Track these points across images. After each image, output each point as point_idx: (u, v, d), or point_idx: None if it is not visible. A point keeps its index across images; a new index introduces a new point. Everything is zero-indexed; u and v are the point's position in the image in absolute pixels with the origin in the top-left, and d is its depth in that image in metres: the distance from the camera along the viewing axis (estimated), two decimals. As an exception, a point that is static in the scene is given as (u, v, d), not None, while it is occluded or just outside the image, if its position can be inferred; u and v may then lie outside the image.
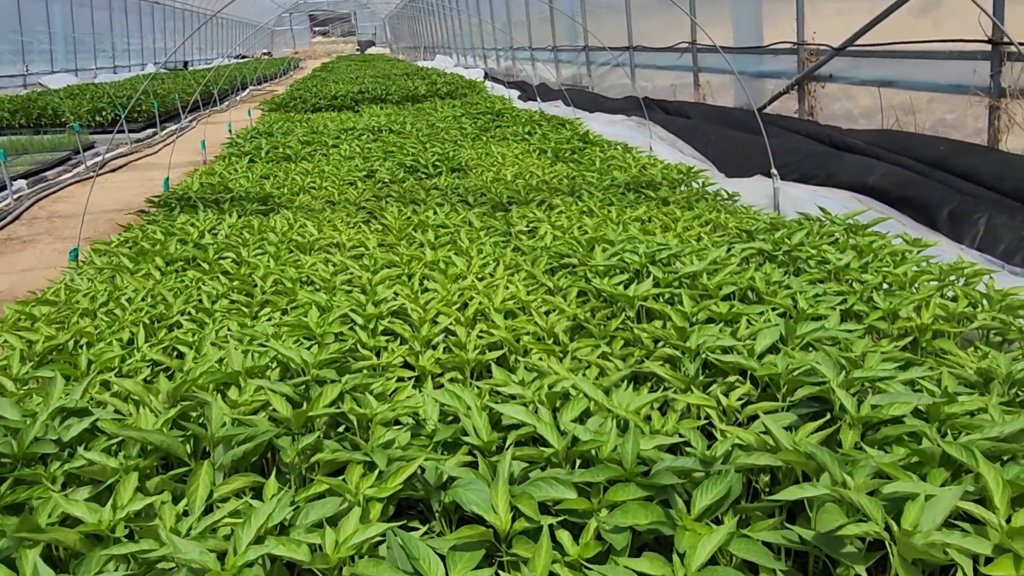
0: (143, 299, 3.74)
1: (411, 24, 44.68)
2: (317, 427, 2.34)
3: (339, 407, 2.31)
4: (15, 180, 11.18)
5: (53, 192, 11.30)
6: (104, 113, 16.44)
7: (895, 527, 1.73)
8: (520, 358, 3.02)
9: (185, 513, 1.95)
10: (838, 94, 8.19)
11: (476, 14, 23.26)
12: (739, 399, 2.49)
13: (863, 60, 7.61)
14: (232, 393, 2.46)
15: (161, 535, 1.80)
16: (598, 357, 2.92)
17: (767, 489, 2.23)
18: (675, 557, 1.82)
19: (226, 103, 22.51)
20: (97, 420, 2.33)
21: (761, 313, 3.13)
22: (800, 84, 8.55)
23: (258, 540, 1.73)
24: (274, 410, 2.32)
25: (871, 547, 1.89)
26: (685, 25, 10.83)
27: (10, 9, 21.12)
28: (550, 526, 1.98)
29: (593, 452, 2.22)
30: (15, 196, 10.79)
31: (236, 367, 2.53)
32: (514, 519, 2.03)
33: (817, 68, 8.16)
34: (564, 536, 1.98)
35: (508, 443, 2.34)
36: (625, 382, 2.68)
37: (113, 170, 12.84)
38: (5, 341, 3.25)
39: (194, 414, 2.35)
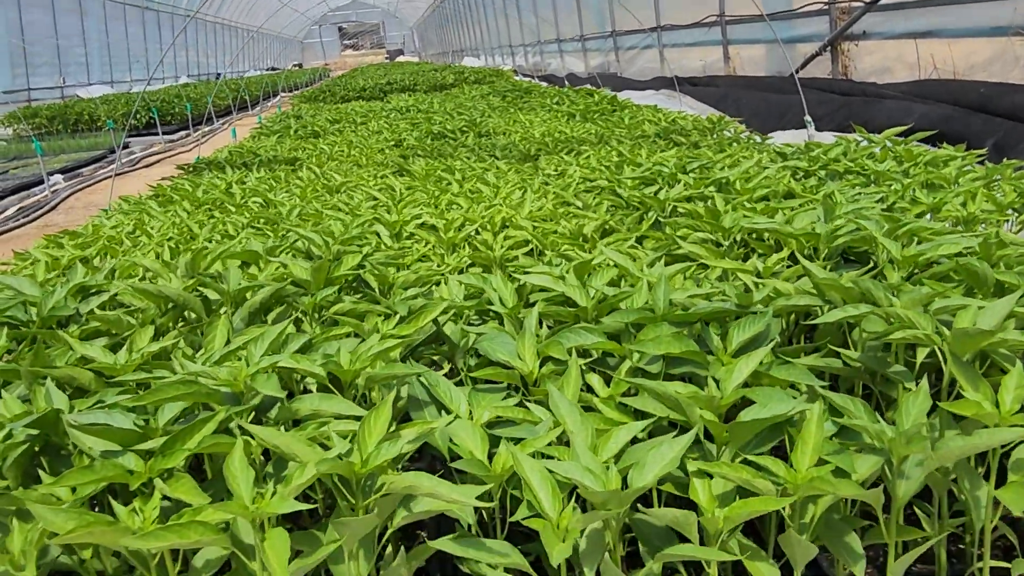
0: (169, 230, 3.72)
1: (438, 31, 44.97)
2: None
3: (360, 272, 2.24)
4: (52, 175, 11.37)
5: (89, 185, 11.47)
6: (138, 116, 16.69)
7: (946, 331, 1.61)
8: (548, 252, 2.93)
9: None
10: (872, 50, 8.01)
11: (503, 13, 23.31)
12: (776, 263, 2.38)
13: (896, 13, 7.44)
14: (252, 270, 2.40)
15: (175, 366, 1.74)
16: (629, 248, 2.82)
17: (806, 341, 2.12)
18: (709, 381, 1.72)
19: (257, 107, 22.78)
20: (115, 294, 2.28)
21: (798, 207, 3.01)
22: (833, 44, 8.38)
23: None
24: (294, 280, 2.25)
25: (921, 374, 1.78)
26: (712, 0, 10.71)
27: (47, 23, 21.58)
28: (580, 368, 1.89)
29: (622, 306, 2.13)
30: (52, 189, 10.96)
31: (256, 248, 2.47)
32: (541, 365, 1.94)
33: (850, 26, 7.99)
34: (594, 379, 1.89)
35: (535, 306, 2.25)
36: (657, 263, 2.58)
37: (147, 166, 13.03)
38: (35, 260, 3.24)
39: (211, 281, 2.29)
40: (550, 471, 1.45)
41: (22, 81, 20.43)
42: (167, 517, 1.34)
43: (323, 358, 1.71)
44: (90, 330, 2.09)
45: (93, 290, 2.38)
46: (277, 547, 1.24)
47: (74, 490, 1.45)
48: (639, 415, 1.74)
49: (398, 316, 1.97)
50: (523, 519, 1.47)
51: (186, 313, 2.14)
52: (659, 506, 1.72)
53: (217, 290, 2.09)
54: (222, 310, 2.10)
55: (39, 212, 9.62)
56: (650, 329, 1.92)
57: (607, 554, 1.45)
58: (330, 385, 1.66)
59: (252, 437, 1.47)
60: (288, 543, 1.25)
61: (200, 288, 2.17)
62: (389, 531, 1.47)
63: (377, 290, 2.26)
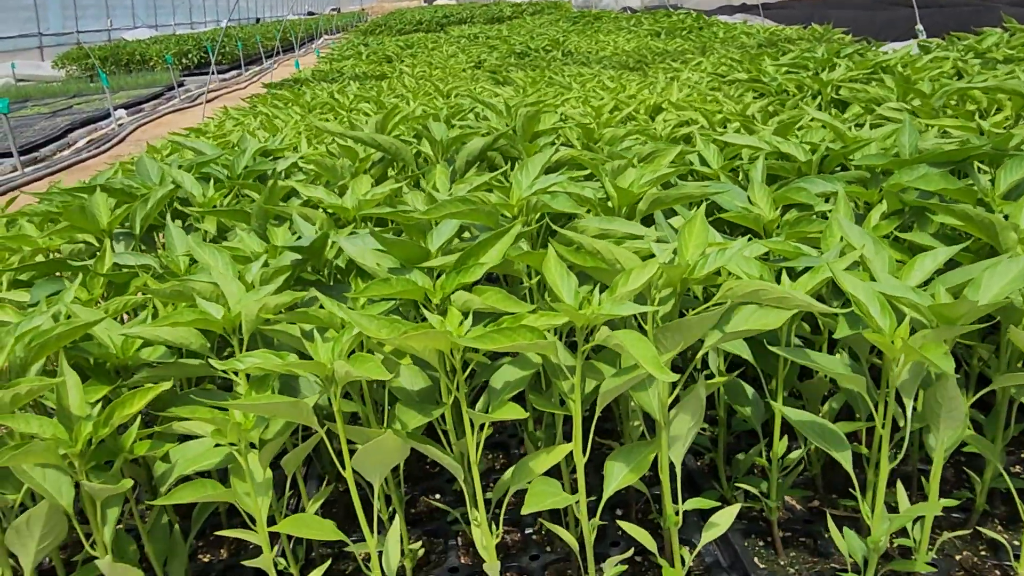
0: (297, 124, 3.62)
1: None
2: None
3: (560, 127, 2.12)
4: (116, 109, 11.36)
5: (152, 119, 11.44)
6: (190, 56, 16.60)
7: None
8: (717, 130, 2.79)
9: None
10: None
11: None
12: (1001, 122, 2.22)
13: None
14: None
15: (409, 203, 1.65)
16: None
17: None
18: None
19: (302, 49, 22.58)
20: (301, 157, 2.19)
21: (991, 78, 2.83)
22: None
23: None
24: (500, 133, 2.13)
25: None
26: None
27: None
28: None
29: (854, 157, 1.99)
30: (118, 122, 10.95)
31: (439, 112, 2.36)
32: (783, 213, 1.82)
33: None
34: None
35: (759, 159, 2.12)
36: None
37: (207, 101, 12.96)
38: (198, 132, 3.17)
39: (423, 130, 2.17)
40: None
41: (71, 24, 20.41)
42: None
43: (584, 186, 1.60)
44: (286, 188, 2.00)
45: (275, 155, 2.29)
46: (639, 346, 1.14)
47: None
48: (914, 251, 1.63)
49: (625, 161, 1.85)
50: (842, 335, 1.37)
51: (389, 169, 2.05)
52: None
53: (429, 139, 1.99)
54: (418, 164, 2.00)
55: (108, 144, 9.61)
56: (906, 171, 1.79)
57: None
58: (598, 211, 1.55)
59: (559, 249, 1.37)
60: (649, 343, 1.15)
61: (405, 141, 2.07)
62: (699, 353, 1.37)
63: (579, 145, 2.14)
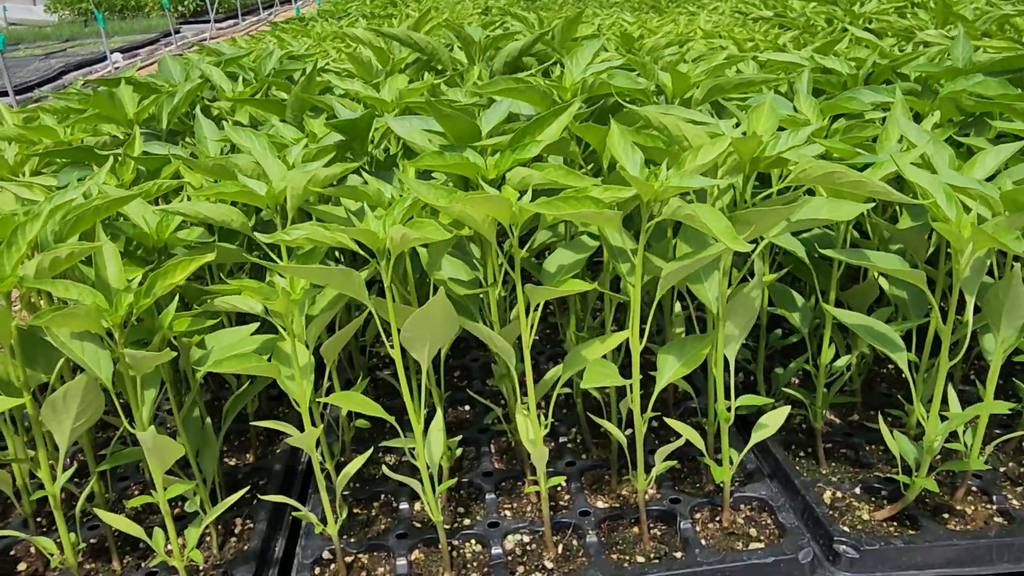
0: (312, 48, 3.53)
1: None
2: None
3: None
4: (112, 53, 11.15)
5: (150, 64, 11.24)
6: (186, 3, 16.30)
7: None
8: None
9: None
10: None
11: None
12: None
13: None
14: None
15: (453, 96, 1.58)
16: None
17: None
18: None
19: (299, 1, 22.20)
20: (328, 62, 2.12)
21: None
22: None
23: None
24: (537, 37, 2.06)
25: None
26: None
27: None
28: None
29: (904, 70, 1.94)
30: (114, 65, 10.76)
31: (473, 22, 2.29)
32: (833, 122, 1.77)
33: None
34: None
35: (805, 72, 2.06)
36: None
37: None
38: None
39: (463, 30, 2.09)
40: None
41: (63, -32, 19.97)
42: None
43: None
44: (323, 83, 1.93)
45: (302, 60, 2.22)
46: (714, 218, 1.09)
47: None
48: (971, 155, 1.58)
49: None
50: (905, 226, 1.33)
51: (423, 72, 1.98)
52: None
53: (465, 41, 1.92)
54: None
55: (106, 86, 9.43)
56: (962, 80, 1.73)
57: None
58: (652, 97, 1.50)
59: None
60: (723, 216, 1.10)
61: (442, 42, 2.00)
62: (762, 244, 1.33)
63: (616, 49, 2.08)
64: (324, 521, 1.55)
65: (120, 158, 1.62)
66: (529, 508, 1.61)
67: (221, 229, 1.53)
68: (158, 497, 1.32)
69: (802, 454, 1.73)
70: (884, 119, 1.71)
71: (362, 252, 1.22)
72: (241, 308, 1.26)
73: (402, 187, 1.36)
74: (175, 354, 1.23)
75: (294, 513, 1.44)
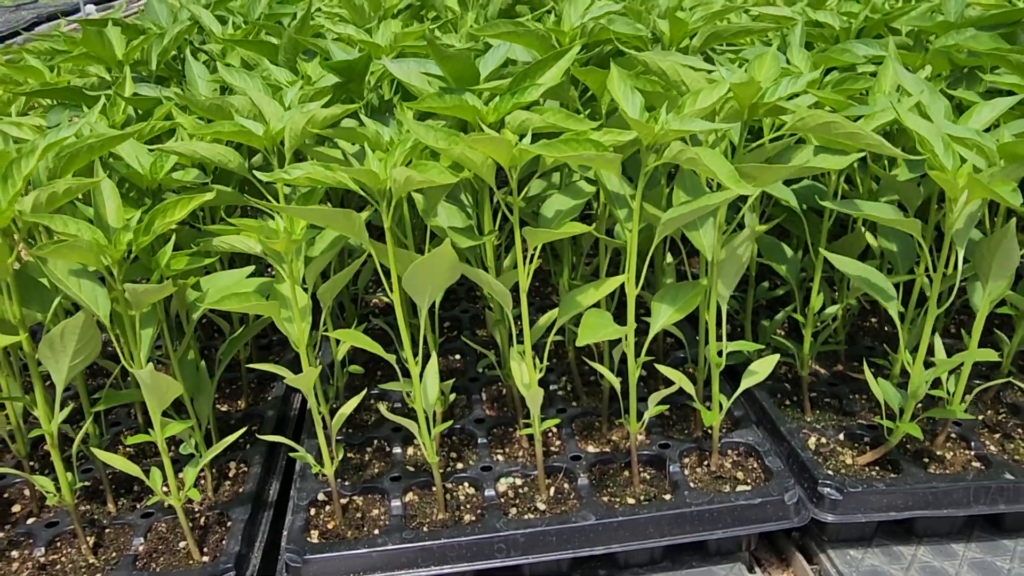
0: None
1: None
2: None
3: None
4: (87, 4, 10.89)
5: (127, 17, 11.00)
6: (161, -47, 15.89)
7: None
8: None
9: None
10: None
11: None
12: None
13: None
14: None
15: (449, 39, 1.57)
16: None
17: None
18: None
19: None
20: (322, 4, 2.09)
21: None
22: None
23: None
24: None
25: None
26: None
27: None
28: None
29: (896, 24, 1.95)
30: (88, 16, 10.52)
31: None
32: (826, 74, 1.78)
33: None
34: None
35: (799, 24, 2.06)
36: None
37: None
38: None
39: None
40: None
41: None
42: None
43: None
44: (316, 27, 1.91)
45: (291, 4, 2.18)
46: (716, 161, 1.11)
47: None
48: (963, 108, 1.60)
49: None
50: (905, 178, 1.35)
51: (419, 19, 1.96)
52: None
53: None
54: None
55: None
56: (954, 34, 1.75)
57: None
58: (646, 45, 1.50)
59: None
60: (725, 159, 1.11)
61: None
62: (752, 198, 1.34)
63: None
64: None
65: (111, 99, 1.60)
66: (521, 453, 1.64)
67: (216, 171, 1.52)
68: (155, 436, 1.33)
69: (787, 403, 1.77)
70: (876, 73, 1.73)
71: (363, 194, 1.22)
72: (239, 248, 1.26)
73: (400, 130, 1.36)
74: (175, 288, 1.23)
75: (292, 454, 1.46)
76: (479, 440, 1.66)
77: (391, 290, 1.29)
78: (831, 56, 1.78)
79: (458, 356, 2.02)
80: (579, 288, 1.36)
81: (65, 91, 1.67)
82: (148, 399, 1.26)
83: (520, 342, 1.46)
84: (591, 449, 1.63)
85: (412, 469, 1.60)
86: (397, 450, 1.65)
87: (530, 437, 1.66)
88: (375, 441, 1.70)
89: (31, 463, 1.67)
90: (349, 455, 1.66)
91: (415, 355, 1.35)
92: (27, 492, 1.62)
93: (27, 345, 1.31)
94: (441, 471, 1.58)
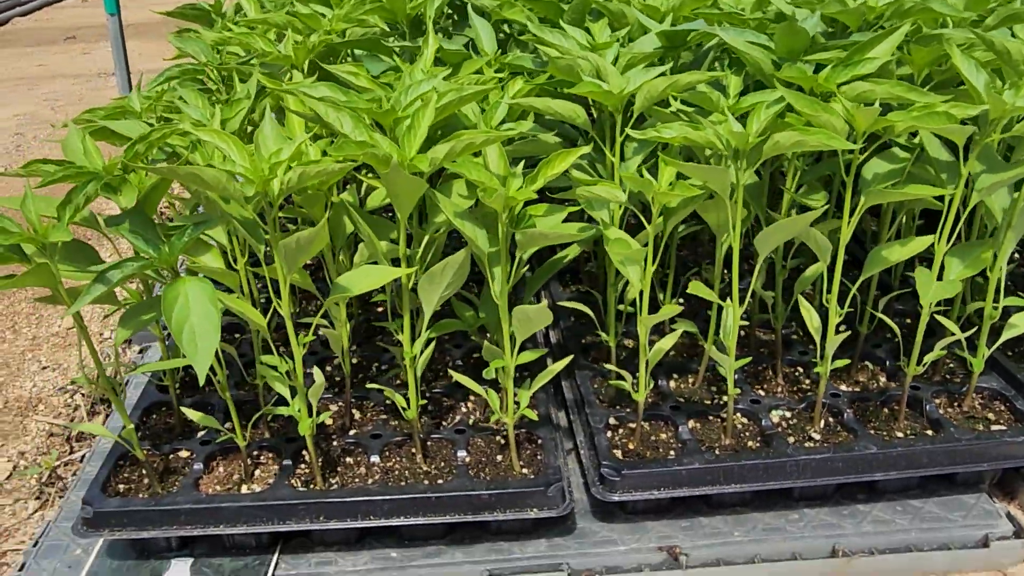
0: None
1: None
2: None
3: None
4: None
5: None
6: None
7: None
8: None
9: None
10: None
11: None
12: None
13: None
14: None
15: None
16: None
17: None
18: None
19: None
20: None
21: None
22: None
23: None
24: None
25: None
26: None
27: None
28: None
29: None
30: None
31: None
32: None
33: None
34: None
35: None
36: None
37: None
38: None
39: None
40: None
41: None
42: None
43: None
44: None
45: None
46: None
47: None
48: None
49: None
50: None
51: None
52: None
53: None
54: None
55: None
56: None
57: None
58: None
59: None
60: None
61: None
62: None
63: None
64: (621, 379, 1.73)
65: (419, 51, 1.73)
66: (779, 389, 1.81)
67: (561, 124, 1.64)
68: (506, 361, 1.50)
69: (1010, 353, 1.91)
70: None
71: (721, 149, 1.36)
72: (603, 196, 1.40)
73: (730, 95, 1.49)
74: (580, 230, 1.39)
75: (611, 381, 1.62)
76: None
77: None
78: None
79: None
80: (887, 245, 1.51)
81: (368, 42, 1.80)
82: (518, 329, 1.43)
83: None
84: (844, 388, 1.80)
85: (682, 400, 1.77)
86: (665, 383, 1.82)
87: (786, 374, 1.83)
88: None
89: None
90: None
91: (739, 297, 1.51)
92: (333, 407, 1.80)
93: (407, 280, 1.47)
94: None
